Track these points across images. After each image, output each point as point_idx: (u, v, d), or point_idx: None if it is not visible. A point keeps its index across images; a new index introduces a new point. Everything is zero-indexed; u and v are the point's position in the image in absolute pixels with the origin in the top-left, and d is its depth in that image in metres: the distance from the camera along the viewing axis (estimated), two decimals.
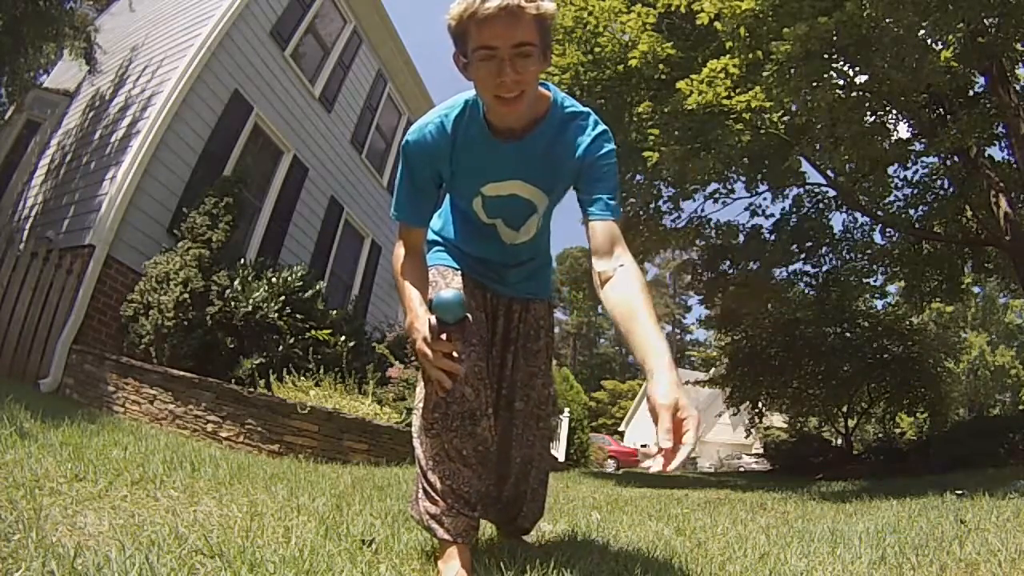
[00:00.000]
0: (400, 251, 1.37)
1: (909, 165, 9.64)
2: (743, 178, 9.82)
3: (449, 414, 1.26)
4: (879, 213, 9.95)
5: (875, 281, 11.60)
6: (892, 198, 10.15)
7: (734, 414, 16.03)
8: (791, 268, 11.38)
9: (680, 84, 6.89)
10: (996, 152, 9.28)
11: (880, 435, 14.08)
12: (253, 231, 7.20)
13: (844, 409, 12.89)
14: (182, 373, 4.50)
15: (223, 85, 6.64)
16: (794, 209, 10.74)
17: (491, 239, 1.44)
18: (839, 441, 13.65)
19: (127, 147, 5.84)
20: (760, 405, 13.26)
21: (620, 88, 8.04)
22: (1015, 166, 8.27)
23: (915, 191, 9.95)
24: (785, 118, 7.44)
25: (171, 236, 5.80)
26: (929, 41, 6.39)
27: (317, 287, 5.88)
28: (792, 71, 6.19)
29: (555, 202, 1.42)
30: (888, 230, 10.54)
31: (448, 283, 1.40)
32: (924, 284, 10.44)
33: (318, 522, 1.60)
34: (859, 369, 11.56)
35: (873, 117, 7.67)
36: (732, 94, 6.79)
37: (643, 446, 28.90)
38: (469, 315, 1.18)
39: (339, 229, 8.88)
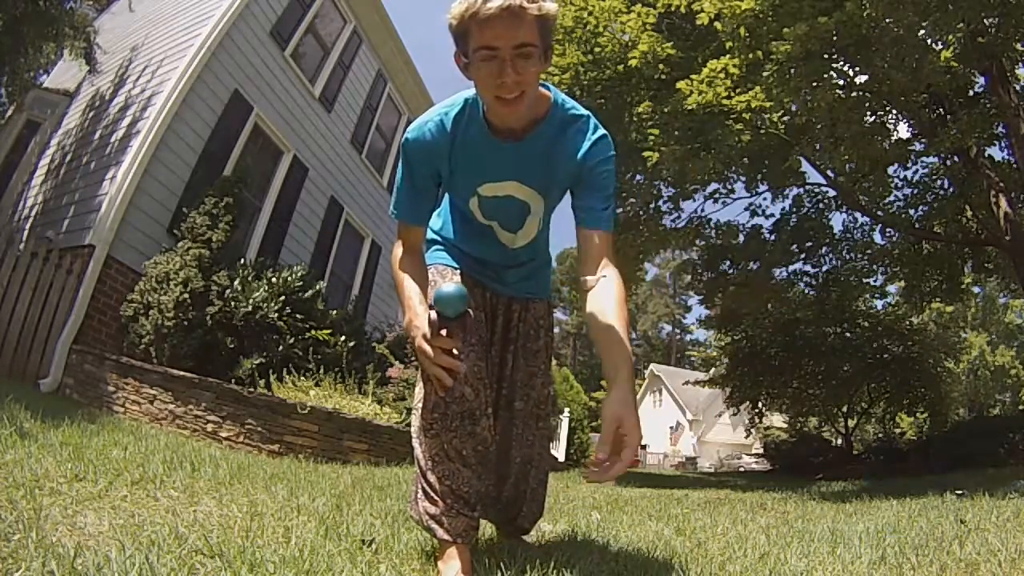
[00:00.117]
0: (399, 250, 1.37)
1: (909, 165, 9.65)
2: (743, 178, 9.81)
3: (448, 414, 1.25)
4: (879, 213, 9.95)
5: (875, 281, 11.60)
6: (892, 198, 10.15)
7: (734, 414, 16.04)
8: (791, 268, 11.38)
9: (680, 84, 6.89)
10: (996, 152, 9.30)
11: (880, 435, 14.09)
12: (253, 231, 7.20)
13: (844, 409, 12.90)
14: (182, 373, 4.50)
15: (223, 85, 6.64)
16: (794, 209, 10.74)
17: (490, 239, 1.44)
18: (839, 441, 13.65)
19: (127, 147, 5.84)
20: (760, 405, 13.27)
21: (620, 88, 8.04)
22: (1015, 166, 8.27)
23: (915, 191, 9.95)
24: (785, 118, 7.44)
25: (171, 236, 5.80)
26: (929, 41, 6.39)
27: (317, 287, 5.88)
28: (792, 71, 6.19)
29: (552, 205, 1.42)
30: (888, 230, 10.54)
31: (448, 281, 1.41)
32: (924, 284, 10.44)
33: (318, 522, 1.60)
34: (859, 369, 11.57)
35: (873, 117, 7.67)
36: (732, 94, 6.79)
37: (643, 446, 28.90)
38: (470, 310, 1.16)
39: (339, 229, 8.88)
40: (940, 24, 5.83)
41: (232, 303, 5.12)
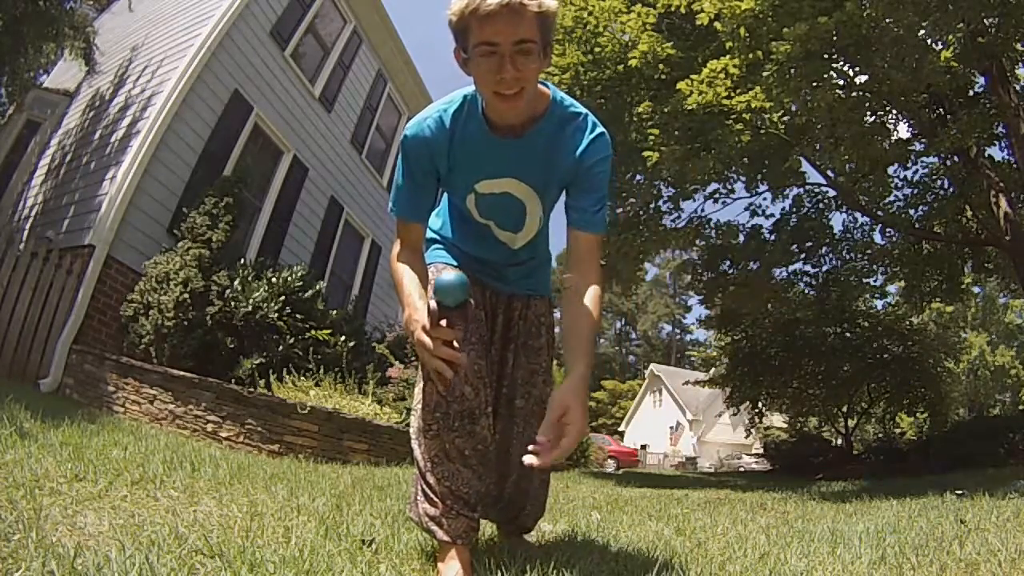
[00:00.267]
0: (398, 248, 1.37)
1: (909, 165, 9.65)
2: (743, 178, 9.81)
3: (449, 414, 1.25)
4: (879, 213, 9.95)
5: (875, 281, 11.60)
6: (892, 198, 10.15)
7: (734, 414, 16.04)
8: (791, 268, 11.38)
9: (680, 84, 6.89)
10: (996, 152, 9.29)
11: (880, 435, 14.09)
12: (253, 231, 7.20)
13: (844, 409, 12.90)
14: (182, 373, 4.50)
15: (223, 85, 6.64)
16: (794, 209, 10.74)
17: (489, 239, 1.44)
18: (839, 441, 13.66)
19: (127, 147, 5.84)
20: (760, 405, 13.27)
21: (620, 88, 8.04)
22: (1015, 166, 8.27)
23: (915, 191, 9.95)
24: (785, 118, 7.44)
25: (171, 236, 5.80)
26: (929, 41, 6.39)
27: (317, 287, 5.88)
28: (792, 71, 6.19)
29: (551, 203, 1.42)
30: (888, 230, 10.54)
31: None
32: (924, 284, 10.44)
33: (318, 522, 1.60)
34: (859, 369, 11.57)
35: (873, 117, 7.67)
36: (732, 94, 6.79)
37: (643, 446, 28.93)
38: (471, 299, 1.14)
39: (339, 229, 8.88)
40: (940, 24, 5.83)
41: (232, 303, 5.12)
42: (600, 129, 1.31)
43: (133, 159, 5.65)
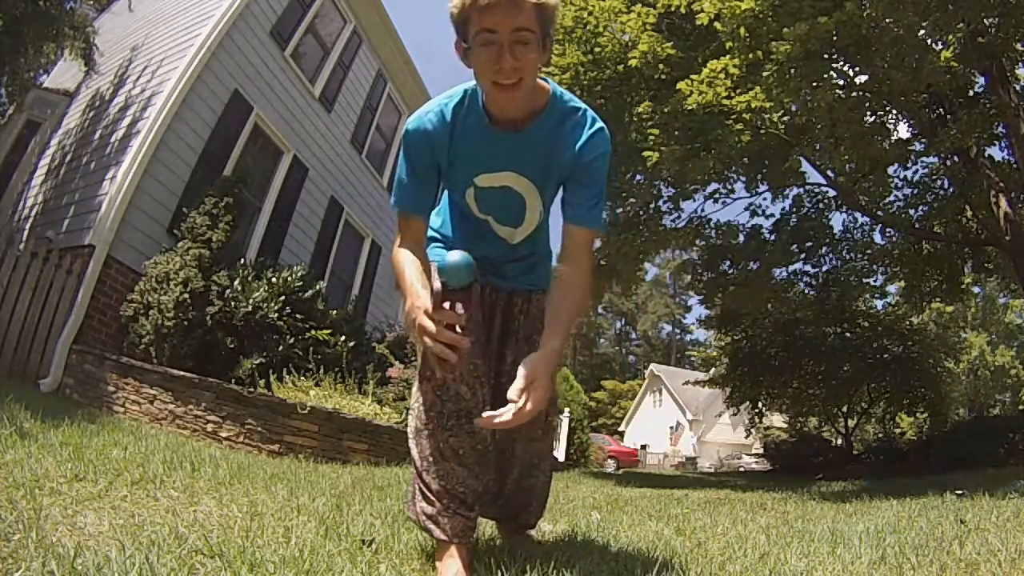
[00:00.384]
0: (400, 243, 1.36)
1: (909, 165, 9.64)
2: (743, 178, 9.81)
3: (444, 413, 1.26)
4: (879, 213, 9.95)
5: (875, 281, 11.60)
6: (892, 198, 10.15)
7: (734, 414, 16.05)
8: (791, 268, 11.37)
9: (680, 84, 6.89)
10: (996, 152, 9.29)
11: (880, 435, 14.09)
12: (253, 231, 7.20)
13: (844, 409, 12.90)
14: (182, 373, 4.50)
15: (223, 85, 6.64)
16: (794, 209, 10.74)
17: (489, 236, 1.44)
18: (839, 441, 13.66)
19: (127, 147, 5.84)
20: (760, 405, 13.27)
21: (620, 88, 8.04)
22: (1015, 166, 8.27)
23: (915, 191, 9.95)
24: (785, 118, 7.44)
25: (171, 236, 5.80)
26: (929, 41, 6.39)
27: (317, 287, 5.88)
28: (792, 71, 6.19)
29: (550, 198, 1.42)
30: (888, 230, 10.54)
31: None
32: (924, 284, 10.44)
33: (318, 522, 1.60)
34: (859, 369, 11.57)
35: (873, 117, 7.67)
36: (732, 94, 6.79)
37: (643, 446, 28.93)
38: (477, 281, 1.12)
39: (339, 229, 8.88)
40: (940, 24, 5.83)
41: (232, 303, 5.12)
42: (600, 125, 1.32)
43: (133, 159, 5.65)
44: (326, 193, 8.56)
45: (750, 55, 6.73)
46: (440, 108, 1.30)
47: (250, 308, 5.10)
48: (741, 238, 10.67)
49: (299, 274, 5.73)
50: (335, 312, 6.09)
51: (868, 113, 7.43)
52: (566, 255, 1.31)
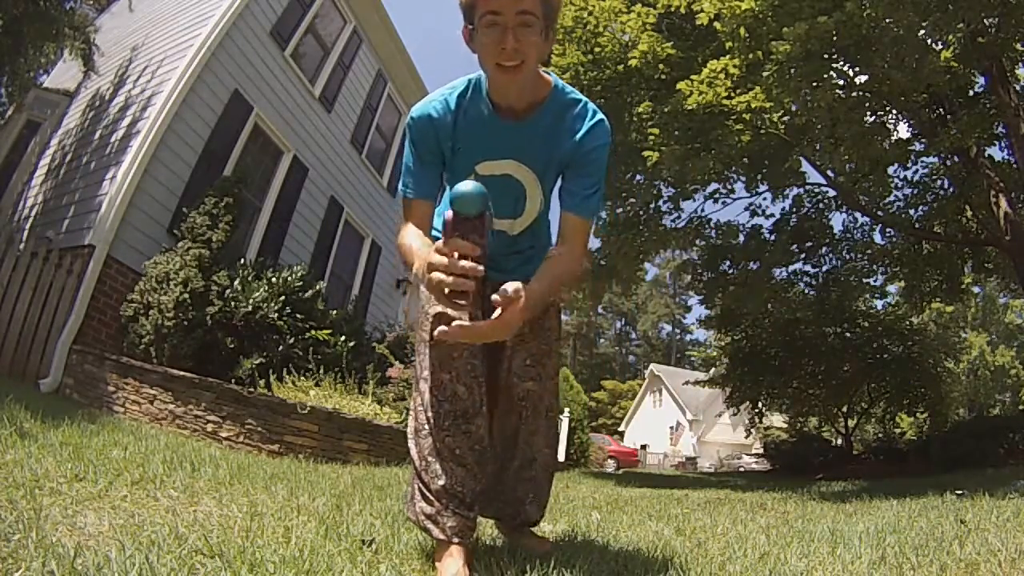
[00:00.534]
0: (405, 227, 1.35)
1: (909, 165, 9.65)
2: (743, 178, 9.81)
3: (442, 413, 1.26)
4: (879, 213, 9.95)
5: (875, 281, 11.61)
6: (892, 198, 10.16)
7: (734, 414, 16.05)
8: (791, 268, 11.39)
9: (680, 84, 6.90)
10: (996, 152, 9.30)
11: (880, 435, 14.09)
12: (253, 231, 7.20)
13: (844, 409, 12.90)
14: (182, 373, 4.50)
15: (223, 85, 6.64)
16: (794, 209, 10.75)
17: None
18: (839, 441, 13.65)
19: (127, 147, 5.84)
20: (760, 405, 13.27)
21: (620, 88, 8.04)
22: (1015, 166, 8.28)
23: (915, 191, 9.95)
24: (785, 118, 7.44)
25: (171, 236, 5.80)
26: (929, 41, 6.39)
27: (317, 287, 5.88)
28: (792, 71, 6.19)
29: (550, 188, 1.43)
30: (888, 230, 10.54)
31: None
32: (924, 284, 10.45)
33: (318, 522, 1.60)
34: (859, 369, 11.57)
35: (873, 117, 7.67)
36: (732, 94, 6.80)
37: (643, 446, 28.93)
38: (490, 211, 1.08)
39: (339, 229, 8.88)
40: (940, 24, 5.83)
41: (232, 303, 5.12)
42: (600, 117, 1.35)
43: (133, 159, 5.65)
44: (326, 193, 8.56)
45: (750, 55, 6.74)
46: (444, 96, 1.33)
47: (250, 308, 5.10)
48: (741, 238, 10.68)
49: (299, 274, 5.73)
50: (335, 312, 6.09)
51: (868, 113, 7.43)
52: (561, 240, 1.34)
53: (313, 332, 5.38)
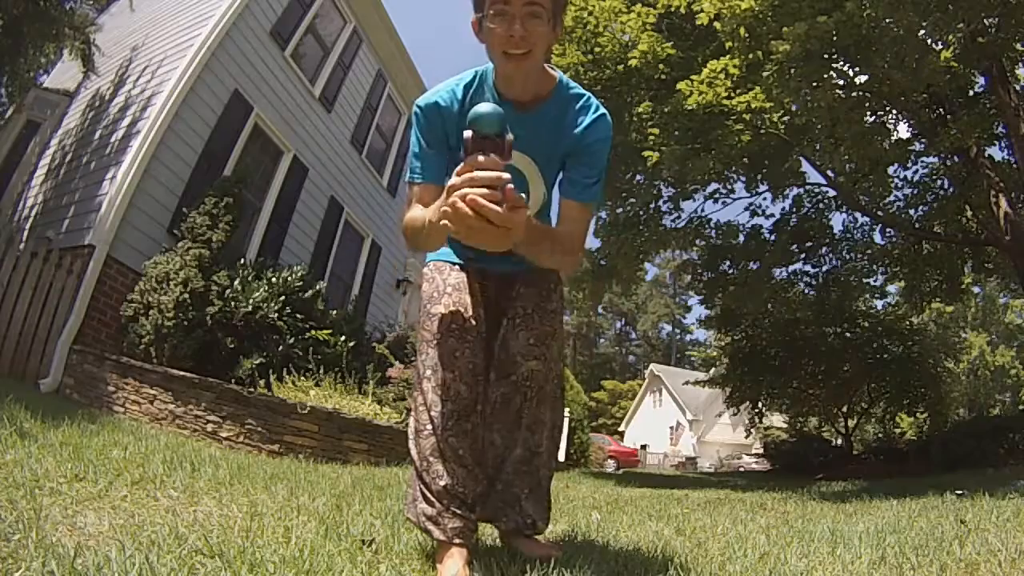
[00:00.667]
0: (411, 210, 1.33)
1: (909, 165, 9.66)
2: (743, 178, 9.82)
3: (444, 413, 1.26)
4: (879, 213, 9.96)
5: (875, 281, 11.62)
6: (892, 198, 10.17)
7: (734, 414, 16.05)
8: (791, 268, 11.40)
9: (680, 84, 6.90)
10: (996, 152, 9.31)
11: (880, 435, 14.10)
12: (253, 231, 7.20)
13: (844, 409, 12.90)
14: (182, 373, 4.50)
15: (223, 85, 6.64)
16: (794, 209, 10.75)
17: None
18: (839, 441, 13.66)
19: (127, 147, 5.84)
20: (760, 405, 13.28)
21: (620, 88, 8.04)
22: (1015, 166, 8.28)
23: (915, 191, 9.96)
24: (785, 118, 7.45)
25: (171, 236, 5.80)
26: (929, 41, 6.39)
27: (317, 287, 5.88)
28: (792, 71, 6.19)
29: (552, 180, 1.43)
30: (888, 230, 10.55)
31: (445, 278, 1.40)
32: (924, 284, 10.45)
33: (318, 522, 1.60)
34: (859, 369, 11.58)
35: (873, 117, 7.68)
36: (732, 94, 6.80)
37: (643, 446, 28.93)
38: (508, 132, 1.05)
39: (339, 229, 8.88)
40: (940, 24, 5.83)
41: (232, 303, 5.12)
42: (603, 111, 1.36)
43: (133, 159, 5.65)
44: (326, 193, 8.56)
45: (750, 55, 6.74)
46: (451, 87, 1.35)
47: (250, 308, 5.10)
48: (741, 238, 10.69)
49: (299, 274, 5.73)
50: (335, 312, 6.10)
51: (868, 113, 7.44)
52: (560, 224, 1.35)
53: (313, 332, 5.38)
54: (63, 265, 5.27)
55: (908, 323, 12.40)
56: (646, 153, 7.31)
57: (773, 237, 10.63)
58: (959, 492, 3.64)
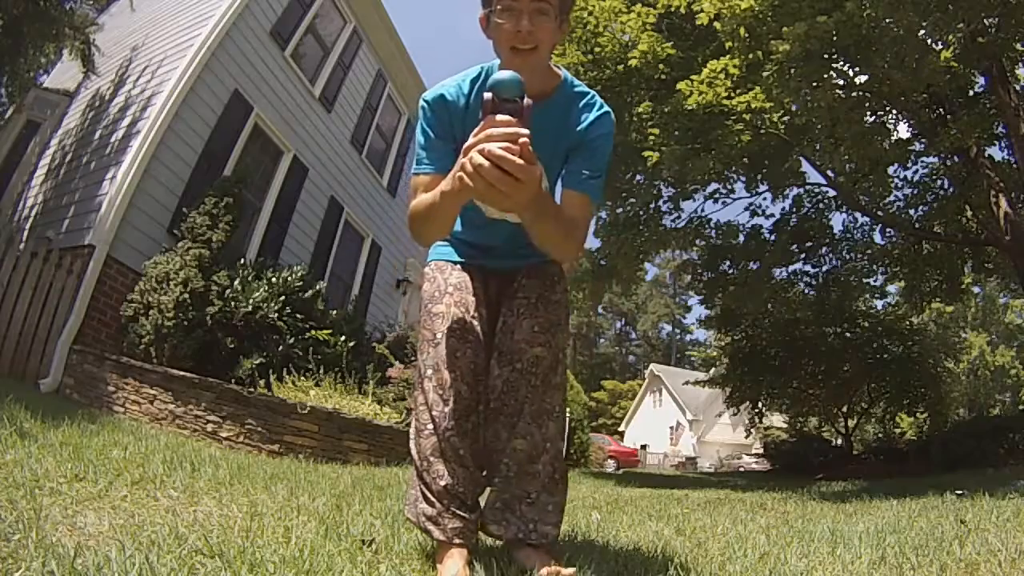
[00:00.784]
0: (417, 197, 1.31)
1: (909, 165, 9.66)
2: (743, 178, 9.82)
3: (445, 413, 1.26)
4: (879, 213, 9.96)
5: (875, 281, 11.62)
6: (892, 198, 10.17)
7: (734, 414, 16.06)
8: (791, 268, 11.40)
9: (680, 84, 6.90)
10: (996, 152, 9.31)
11: (880, 435, 14.10)
12: (253, 231, 7.20)
13: (844, 409, 12.91)
14: (182, 373, 4.50)
15: (223, 85, 6.64)
16: (794, 209, 10.75)
17: (493, 223, 1.43)
18: (839, 441, 13.67)
19: (127, 147, 5.84)
20: (760, 405, 13.28)
21: (620, 88, 8.04)
22: (1015, 166, 8.28)
23: (915, 191, 9.96)
24: (785, 118, 7.45)
25: (171, 236, 5.80)
26: (929, 41, 6.39)
27: (317, 287, 5.88)
28: (792, 71, 6.19)
29: (554, 177, 1.43)
30: (888, 230, 10.55)
31: (446, 277, 1.40)
32: (924, 284, 10.45)
33: (318, 522, 1.60)
34: (859, 369, 11.58)
35: (873, 117, 7.68)
36: (732, 94, 6.80)
37: (643, 446, 28.93)
38: (526, 96, 1.05)
39: (339, 229, 8.88)
40: (940, 24, 5.83)
41: (232, 303, 5.12)
42: (606, 109, 1.37)
43: (133, 159, 5.65)
44: (326, 193, 8.56)
45: (750, 55, 6.74)
46: (458, 82, 1.36)
47: (250, 308, 5.10)
48: (741, 238, 10.69)
49: (299, 274, 5.73)
50: (335, 312, 6.09)
51: (868, 113, 7.44)
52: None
53: (313, 332, 5.38)
54: (63, 265, 5.27)
55: (908, 323, 12.40)
56: (646, 153, 7.31)
57: (773, 237, 10.63)
58: (959, 492, 3.64)
